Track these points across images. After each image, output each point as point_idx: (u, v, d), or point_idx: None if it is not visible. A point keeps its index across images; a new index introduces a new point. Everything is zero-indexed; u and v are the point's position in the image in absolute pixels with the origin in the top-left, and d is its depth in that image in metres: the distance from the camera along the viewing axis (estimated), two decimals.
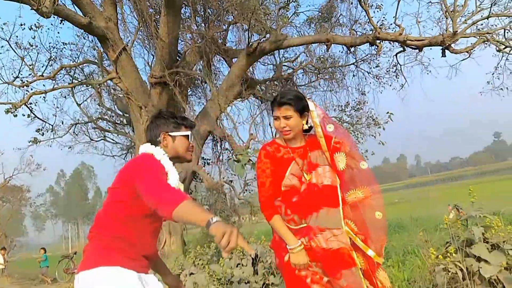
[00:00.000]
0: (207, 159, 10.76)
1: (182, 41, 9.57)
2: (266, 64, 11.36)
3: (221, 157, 10.51)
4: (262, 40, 8.38)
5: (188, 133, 2.08)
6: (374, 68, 10.93)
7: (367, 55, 10.65)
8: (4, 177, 37.32)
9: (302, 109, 2.21)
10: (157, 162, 1.90)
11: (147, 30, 8.97)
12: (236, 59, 9.46)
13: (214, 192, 9.47)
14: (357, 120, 10.92)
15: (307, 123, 2.27)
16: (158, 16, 8.81)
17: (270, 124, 10.36)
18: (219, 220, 1.44)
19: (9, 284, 14.04)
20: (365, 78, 10.97)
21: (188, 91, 10.16)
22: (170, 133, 2.03)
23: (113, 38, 7.60)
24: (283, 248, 2.20)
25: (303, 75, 11.37)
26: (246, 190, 9.75)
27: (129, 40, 8.75)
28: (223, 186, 9.64)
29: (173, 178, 1.90)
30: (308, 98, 2.33)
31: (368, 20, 9.29)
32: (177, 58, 9.04)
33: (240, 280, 3.55)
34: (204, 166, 10.36)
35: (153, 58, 9.37)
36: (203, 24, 9.88)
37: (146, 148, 2.01)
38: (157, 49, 8.27)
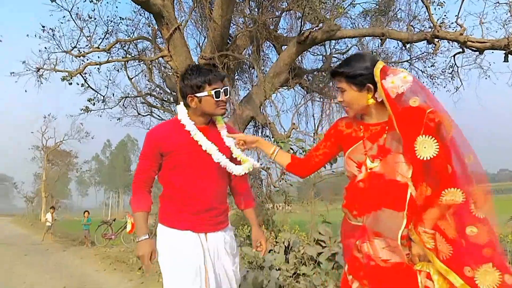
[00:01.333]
0: None
1: (234, 24, 9.59)
2: (315, 54, 11.20)
3: None
4: (314, 29, 8.24)
5: (213, 92, 2.02)
6: (429, 67, 10.49)
7: (423, 53, 10.22)
8: (55, 141, 39.85)
9: (359, 82, 1.73)
10: (150, 142, 2.07)
11: (201, 11, 9.07)
12: (286, 46, 9.38)
13: (251, 177, 9.54)
14: None
15: (376, 96, 1.73)
16: None
17: (313, 115, 10.25)
18: (143, 240, 1.99)
19: (52, 241, 15.01)
20: (418, 77, 10.54)
21: (235, 75, 10.22)
22: (195, 95, 2.03)
23: (168, 17, 7.74)
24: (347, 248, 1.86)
25: None
26: (283, 179, 9.74)
27: (183, 20, 8.88)
28: (260, 172, 9.70)
29: (203, 142, 2.03)
30: (388, 66, 1.74)
31: (427, 17, 8.87)
32: (228, 41, 9.09)
33: (271, 266, 3.57)
34: (243, 151, 10.45)
35: (205, 39, 9.48)
36: (256, 9, 9.84)
37: (178, 108, 2.16)
38: (209, 31, 8.34)
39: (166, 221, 2.06)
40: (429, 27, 9.30)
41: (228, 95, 2.09)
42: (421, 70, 10.51)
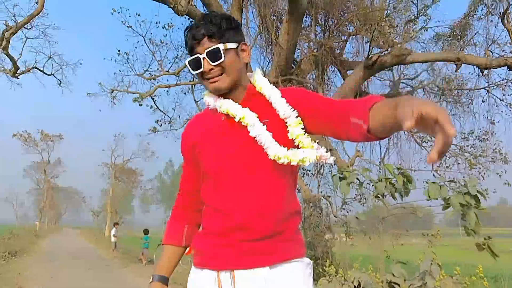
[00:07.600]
0: (308, 170, 10.54)
1: (299, 49, 9.56)
2: (382, 79, 10.82)
3: (322, 170, 10.22)
4: (383, 53, 7.95)
5: (186, 63, 1.26)
6: (508, 95, 9.66)
7: (502, 79, 9.46)
8: (123, 159, 42.21)
9: None
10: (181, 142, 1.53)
11: (267, 36, 9.15)
12: (351, 71, 9.14)
13: (311, 205, 9.23)
14: (482, 152, 9.71)
15: None
16: (280, 23, 8.93)
17: (379, 143, 9.80)
18: (150, 283, 1.35)
19: (113, 257, 15.57)
20: (497, 106, 9.74)
21: None
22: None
23: None
24: None
25: (423, 94, 10.54)
26: (344, 209, 9.32)
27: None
28: (321, 200, 9.35)
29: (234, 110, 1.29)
30: None
31: (509, 41, 8.25)
32: (292, 65, 9.04)
33: None
34: (303, 177, 10.19)
35: (269, 63, 9.53)
36: (322, 34, 9.76)
37: None
38: (274, 55, 8.36)
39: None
40: (510, 52, 8.62)
41: (220, 59, 1.22)
42: (499, 98, 9.71)
